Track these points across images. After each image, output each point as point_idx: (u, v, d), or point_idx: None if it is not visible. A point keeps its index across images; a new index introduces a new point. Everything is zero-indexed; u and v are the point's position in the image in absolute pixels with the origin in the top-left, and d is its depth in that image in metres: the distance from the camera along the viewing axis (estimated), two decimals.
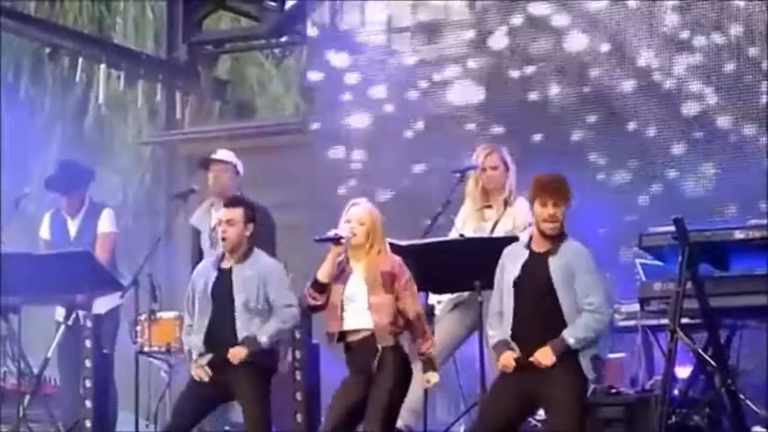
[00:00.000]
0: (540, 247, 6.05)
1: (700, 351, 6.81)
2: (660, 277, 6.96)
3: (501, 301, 6.08)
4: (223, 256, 6.70)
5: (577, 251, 6.02)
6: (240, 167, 7.93)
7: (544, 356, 5.91)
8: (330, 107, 10.39)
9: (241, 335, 6.52)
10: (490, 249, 6.81)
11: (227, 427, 7.85)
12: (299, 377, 7.37)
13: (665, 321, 6.76)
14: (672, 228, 6.71)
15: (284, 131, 11.30)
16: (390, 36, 10.22)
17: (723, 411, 6.81)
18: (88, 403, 7.46)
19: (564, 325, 5.94)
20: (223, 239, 6.64)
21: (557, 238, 6.02)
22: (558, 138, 9.51)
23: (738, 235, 6.77)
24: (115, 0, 13.52)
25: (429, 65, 10.03)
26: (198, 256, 7.90)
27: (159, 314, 7.68)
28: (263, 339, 6.51)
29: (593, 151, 9.44)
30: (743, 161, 9.00)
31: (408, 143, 10.02)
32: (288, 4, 11.33)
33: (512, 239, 7.02)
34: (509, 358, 5.98)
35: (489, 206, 7.32)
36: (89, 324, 7.55)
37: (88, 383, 7.48)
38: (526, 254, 6.07)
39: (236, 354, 6.49)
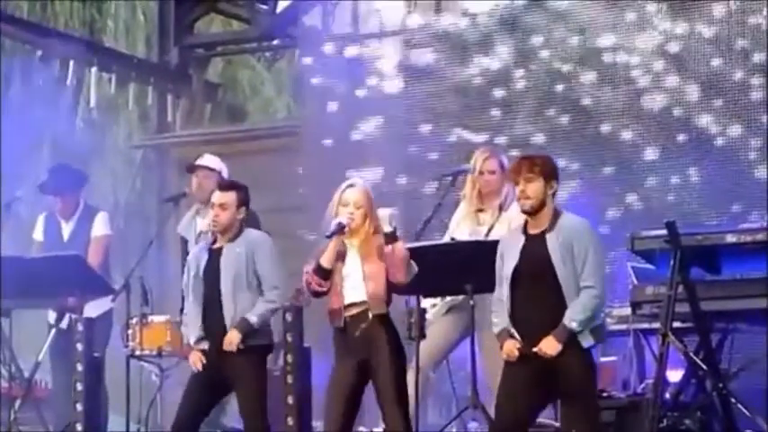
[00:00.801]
0: (534, 228, 6.08)
1: (691, 355, 6.81)
2: (652, 281, 6.97)
3: (500, 288, 6.11)
4: (215, 239, 6.71)
5: (574, 224, 6.05)
6: (225, 173, 7.89)
7: (549, 347, 5.92)
8: (322, 110, 10.38)
9: (228, 312, 6.53)
10: (481, 253, 6.81)
11: (218, 431, 7.84)
12: (290, 380, 7.37)
13: (656, 325, 6.77)
14: (664, 231, 6.72)
15: (276, 135, 11.28)
16: (383, 39, 10.22)
17: (714, 415, 6.81)
18: (79, 407, 7.44)
19: (564, 304, 5.94)
20: (214, 223, 6.64)
21: (552, 217, 6.03)
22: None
23: (730, 239, 6.78)
24: (106, 2, 13.50)
25: (420, 70, 10.03)
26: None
27: (151, 318, 7.67)
28: (254, 319, 6.52)
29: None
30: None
31: (397, 147, 10.00)
32: (280, 7, 11.32)
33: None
34: (512, 347, 6.00)
35: (482, 210, 7.31)
36: (80, 328, 7.53)
37: (79, 387, 7.47)
38: (523, 238, 6.10)
39: (231, 340, 6.51)
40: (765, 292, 6.68)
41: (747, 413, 6.69)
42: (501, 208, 7.35)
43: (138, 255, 7.93)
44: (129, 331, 7.64)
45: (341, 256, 6.28)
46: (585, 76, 9.36)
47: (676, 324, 6.71)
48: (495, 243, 6.79)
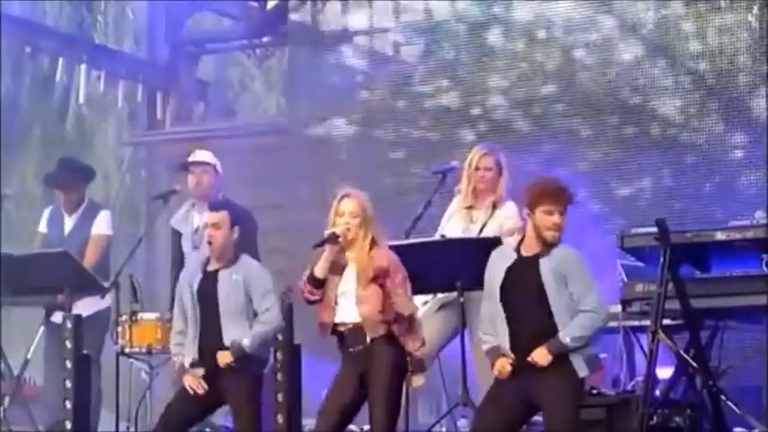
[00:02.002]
0: (529, 250, 6.01)
1: (681, 352, 6.82)
2: (642, 278, 6.97)
3: (489, 305, 6.07)
4: (208, 259, 6.68)
5: (568, 253, 5.98)
6: (220, 167, 7.91)
7: (540, 356, 5.89)
8: (312, 107, 10.36)
9: (228, 339, 6.52)
10: (472, 250, 6.82)
11: (207, 429, 7.82)
12: (280, 378, 7.36)
13: (646, 322, 6.77)
14: (653, 229, 6.72)
15: (266, 132, 11.27)
16: (372, 36, 10.21)
17: (704, 412, 6.82)
18: (68, 404, 7.42)
19: (555, 328, 5.92)
20: (209, 243, 6.63)
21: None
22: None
23: (720, 236, 6.78)
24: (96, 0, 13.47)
25: (411, 65, 10.02)
26: (179, 258, 7.87)
27: (140, 315, 7.65)
28: (245, 342, 6.50)
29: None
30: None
31: (390, 143, 10.00)
32: (269, 5, 11.31)
33: (493, 240, 7.02)
34: (504, 365, 5.95)
35: (475, 207, 7.31)
36: (69, 325, 7.51)
37: (68, 384, 7.44)
38: (513, 257, 6.03)
39: (223, 357, 6.51)
40: (755, 289, 6.69)
41: (737, 410, 6.69)
42: (495, 206, 7.35)
43: (127, 252, 7.91)
44: (119, 329, 7.62)
45: (339, 269, 6.22)
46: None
47: (666, 321, 6.71)
48: (486, 240, 6.80)
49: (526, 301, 5.94)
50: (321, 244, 6.22)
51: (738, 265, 6.84)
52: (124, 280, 7.71)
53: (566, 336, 5.88)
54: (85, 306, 7.81)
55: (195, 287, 6.61)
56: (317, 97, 10.35)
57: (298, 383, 7.45)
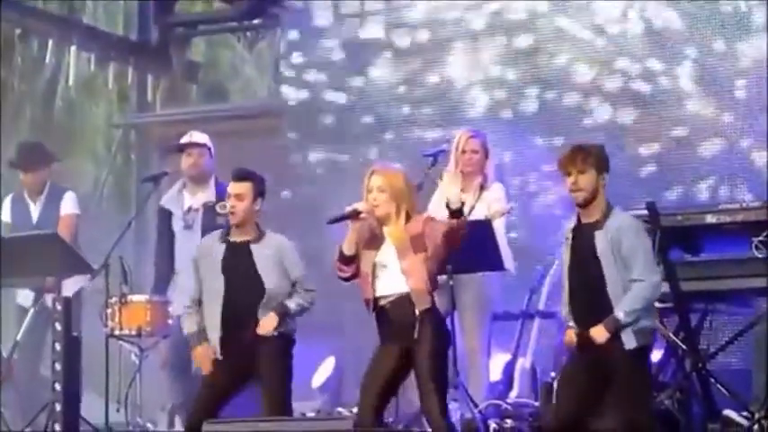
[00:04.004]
0: (586, 217, 6.00)
1: (671, 335, 6.83)
2: None
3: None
4: (229, 230, 6.62)
5: (623, 222, 5.98)
6: (213, 149, 7.92)
7: (597, 334, 5.88)
8: (303, 90, 10.34)
9: (263, 313, 6.47)
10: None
11: None
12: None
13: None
14: (644, 211, 6.73)
15: (257, 115, 11.24)
16: (364, 19, 10.18)
17: (694, 395, 6.83)
18: (58, 386, 7.41)
19: (608, 298, 5.89)
20: (231, 213, 6.55)
21: (604, 211, 5.95)
22: None
23: (710, 219, 6.79)
24: None
25: (403, 51, 9.99)
26: (167, 237, 7.86)
27: (130, 297, 7.64)
28: (292, 306, 6.50)
29: None
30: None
31: (382, 126, 9.98)
32: None
33: (485, 223, 7.03)
34: (571, 335, 5.99)
35: (463, 190, 7.29)
36: (58, 307, 7.49)
37: (58, 367, 7.43)
38: (573, 225, 6.03)
39: (268, 324, 6.46)
40: (745, 272, 6.70)
41: (726, 393, 6.71)
42: (482, 188, 7.37)
43: (117, 234, 7.89)
44: (109, 311, 7.61)
45: (376, 244, 6.10)
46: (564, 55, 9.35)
47: (656, 304, 6.72)
48: (476, 223, 6.79)
49: (583, 270, 5.96)
50: (338, 220, 6.13)
51: (728, 249, 6.85)
52: (114, 262, 7.70)
53: (619, 311, 5.88)
54: (66, 286, 7.78)
55: (219, 259, 6.54)
56: (308, 79, 10.30)
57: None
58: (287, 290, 6.57)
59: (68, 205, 8.16)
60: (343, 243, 6.10)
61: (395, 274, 6.05)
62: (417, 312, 6.00)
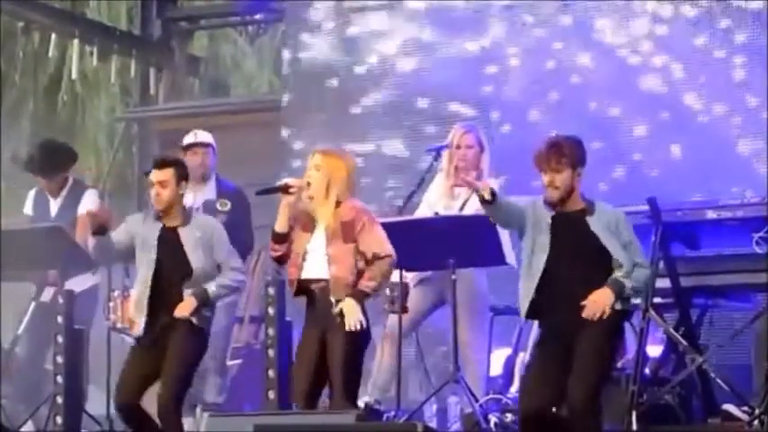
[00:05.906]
0: (567, 207, 5.94)
1: (671, 330, 6.84)
2: None
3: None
4: (159, 217, 6.60)
5: (616, 213, 6.00)
6: (215, 147, 7.97)
7: (605, 296, 5.82)
8: (304, 85, 10.34)
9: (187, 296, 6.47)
10: (463, 227, 6.83)
11: (198, 405, 7.84)
12: (271, 354, 7.35)
13: (637, 301, 6.78)
14: (645, 207, 6.74)
15: (258, 109, 11.26)
16: (366, 14, 10.17)
17: (694, 390, 6.85)
18: (60, 379, 7.43)
19: (595, 286, 5.82)
20: (157, 200, 6.54)
21: (582, 200, 5.95)
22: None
23: (711, 215, 6.80)
24: None
25: (406, 44, 9.98)
26: None
27: (132, 291, 7.64)
28: (212, 288, 6.46)
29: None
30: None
31: (378, 119, 9.97)
32: None
33: (484, 217, 7.04)
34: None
35: (458, 185, 7.32)
36: (61, 300, 7.51)
37: (60, 360, 7.45)
38: (550, 216, 5.94)
39: (184, 308, 6.43)
40: (745, 268, 6.71)
41: (726, 388, 6.72)
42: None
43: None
44: (111, 304, 7.63)
45: (310, 226, 6.12)
46: (576, 54, 9.34)
47: (657, 300, 6.74)
48: (476, 218, 6.80)
49: (579, 257, 5.93)
50: (268, 191, 6.13)
51: (729, 244, 6.87)
52: None
53: (627, 281, 5.88)
54: (76, 282, 7.80)
55: (154, 242, 6.51)
56: (309, 74, 10.30)
57: (289, 360, 7.46)
58: (216, 272, 6.54)
59: (88, 205, 8.15)
60: (276, 223, 6.11)
61: (320, 259, 6.06)
62: (333, 301, 6.01)
